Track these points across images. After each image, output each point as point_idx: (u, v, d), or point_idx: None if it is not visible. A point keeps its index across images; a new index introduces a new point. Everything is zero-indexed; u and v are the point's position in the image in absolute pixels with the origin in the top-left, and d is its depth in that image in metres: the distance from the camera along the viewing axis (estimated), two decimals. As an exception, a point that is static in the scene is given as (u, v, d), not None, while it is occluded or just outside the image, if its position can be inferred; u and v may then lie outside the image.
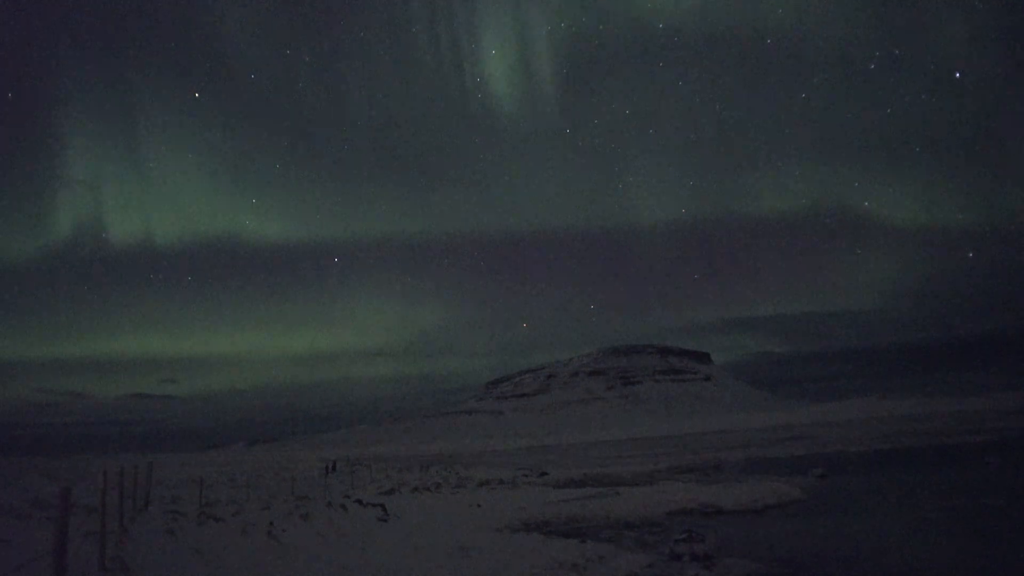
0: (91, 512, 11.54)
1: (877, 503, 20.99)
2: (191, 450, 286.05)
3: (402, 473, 46.68)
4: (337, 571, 11.09)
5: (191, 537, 11.74)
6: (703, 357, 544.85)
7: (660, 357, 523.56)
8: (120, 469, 11.86)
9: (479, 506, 22.58)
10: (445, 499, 25.01)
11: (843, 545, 14.25)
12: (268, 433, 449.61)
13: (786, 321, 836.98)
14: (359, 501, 21.06)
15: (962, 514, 18.19)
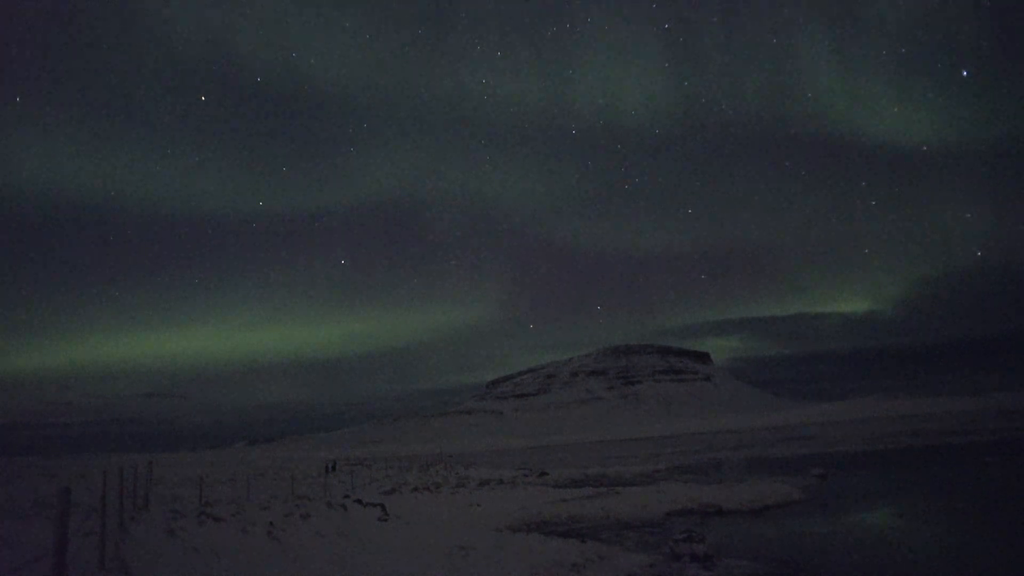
0: (91, 512, 11.54)
1: (877, 503, 20.98)
2: (191, 450, 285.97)
3: (402, 473, 46.66)
4: (337, 571, 11.08)
5: (191, 537, 11.73)
6: (703, 357, 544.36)
7: (660, 357, 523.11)
8: (120, 469, 11.85)
9: (479, 506, 22.56)
10: (445, 499, 24.98)
11: (843, 545, 14.24)
12: (268, 433, 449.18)
13: (786, 322, 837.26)
14: (359, 501, 21.04)
15: (962, 513, 18.19)
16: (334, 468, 51.33)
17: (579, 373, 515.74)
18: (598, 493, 25.40)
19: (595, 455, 79.53)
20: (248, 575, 10.12)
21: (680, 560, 12.89)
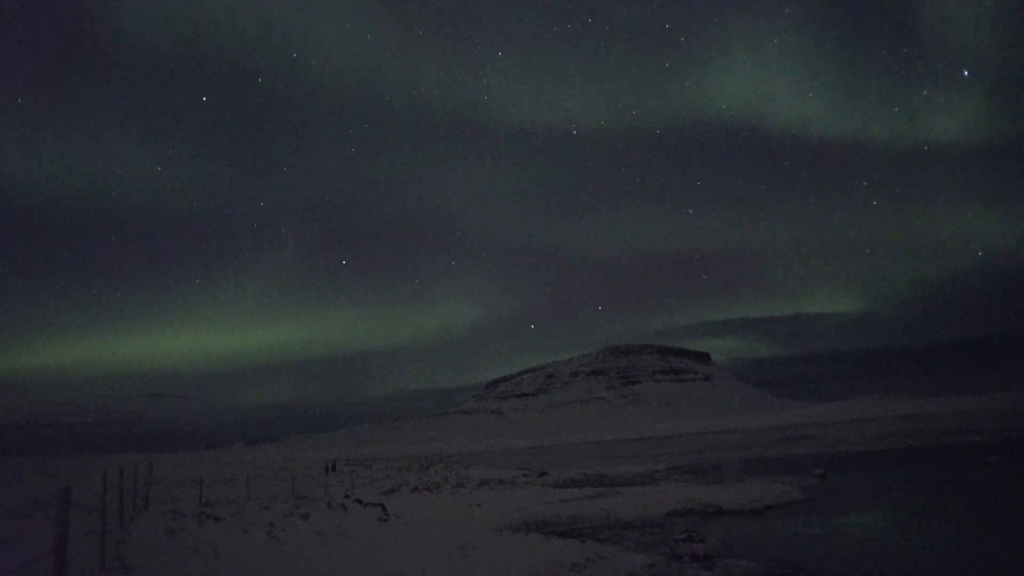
0: (91, 512, 11.54)
1: (877, 503, 20.98)
2: (191, 450, 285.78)
3: (402, 473, 46.65)
4: (337, 571, 11.08)
5: (191, 537, 11.73)
6: (703, 357, 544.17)
7: (660, 357, 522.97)
8: (120, 469, 11.84)
9: (479, 506, 22.55)
10: (445, 499, 24.97)
11: (843, 545, 14.25)
12: (268, 433, 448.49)
13: (785, 322, 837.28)
14: (359, 501, 21.03)
15: (962, 513, 18.19)
16: (334, 468, 51.34)
17: (579, 373, 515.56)
18: (598, 493, 25.39)
19: (595, 455, 79.50)
20: (248, 575, 10.11)
21: (680, 560, 12.89)
